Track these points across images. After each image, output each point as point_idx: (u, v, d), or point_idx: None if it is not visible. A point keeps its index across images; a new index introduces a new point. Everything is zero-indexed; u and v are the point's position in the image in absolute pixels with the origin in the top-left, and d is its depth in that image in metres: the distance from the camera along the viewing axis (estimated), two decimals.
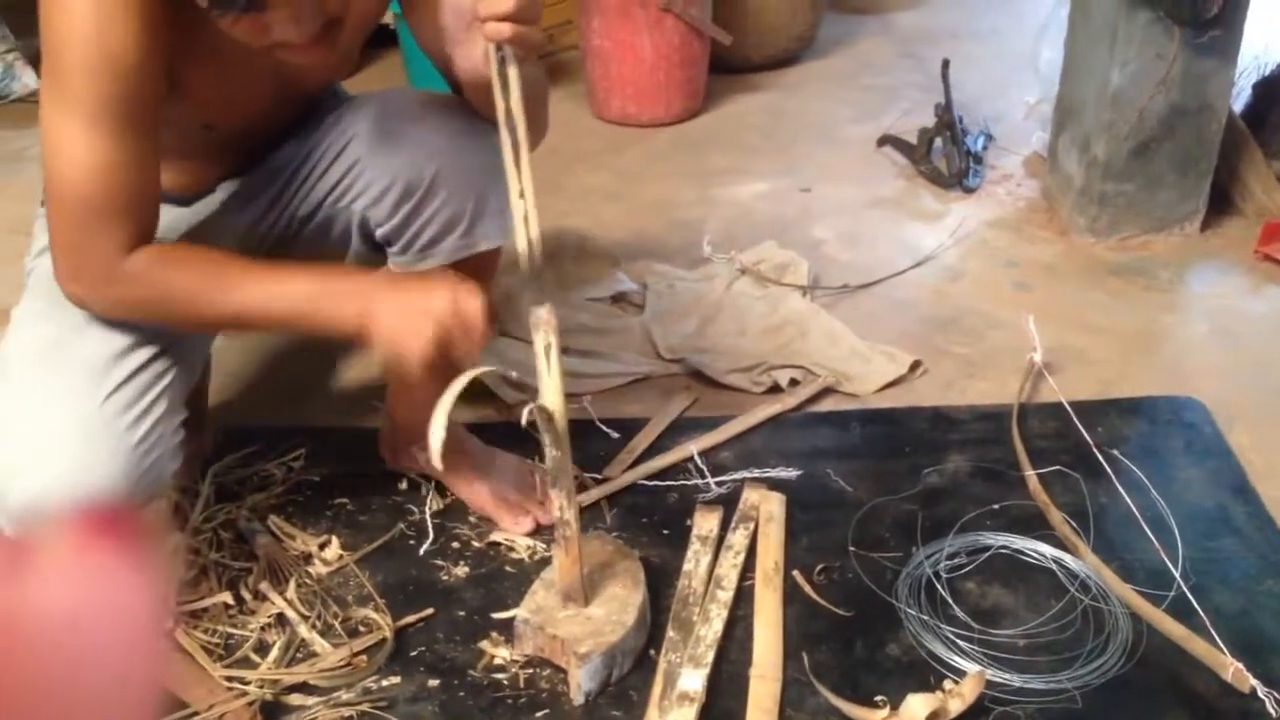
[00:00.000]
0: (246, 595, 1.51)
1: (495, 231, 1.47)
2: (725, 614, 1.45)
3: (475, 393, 1.91)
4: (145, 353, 1.34)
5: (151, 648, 0.43)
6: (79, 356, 1.31)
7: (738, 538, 1.58)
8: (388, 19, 1.60)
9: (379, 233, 1.46)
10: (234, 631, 1.46)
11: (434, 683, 1.40)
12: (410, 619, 1.48)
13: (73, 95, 1.20)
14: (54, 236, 1.28)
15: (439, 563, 1.58)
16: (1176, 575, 1.50)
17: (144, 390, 1.32)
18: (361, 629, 1.47)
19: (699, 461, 1.74)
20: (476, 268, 1.51)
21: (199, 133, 1.43)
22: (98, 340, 1.32)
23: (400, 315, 1.28)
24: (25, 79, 3.27)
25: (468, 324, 1.28)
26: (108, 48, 1.18)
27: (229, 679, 1.39)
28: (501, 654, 1.43)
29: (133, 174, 1.24)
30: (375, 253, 1.53)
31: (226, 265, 1.31)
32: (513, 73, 1.23)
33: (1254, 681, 1.34)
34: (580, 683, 1.35)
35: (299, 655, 1.43)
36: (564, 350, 2.01)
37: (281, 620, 1.48)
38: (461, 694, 1.38)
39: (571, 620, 1.40)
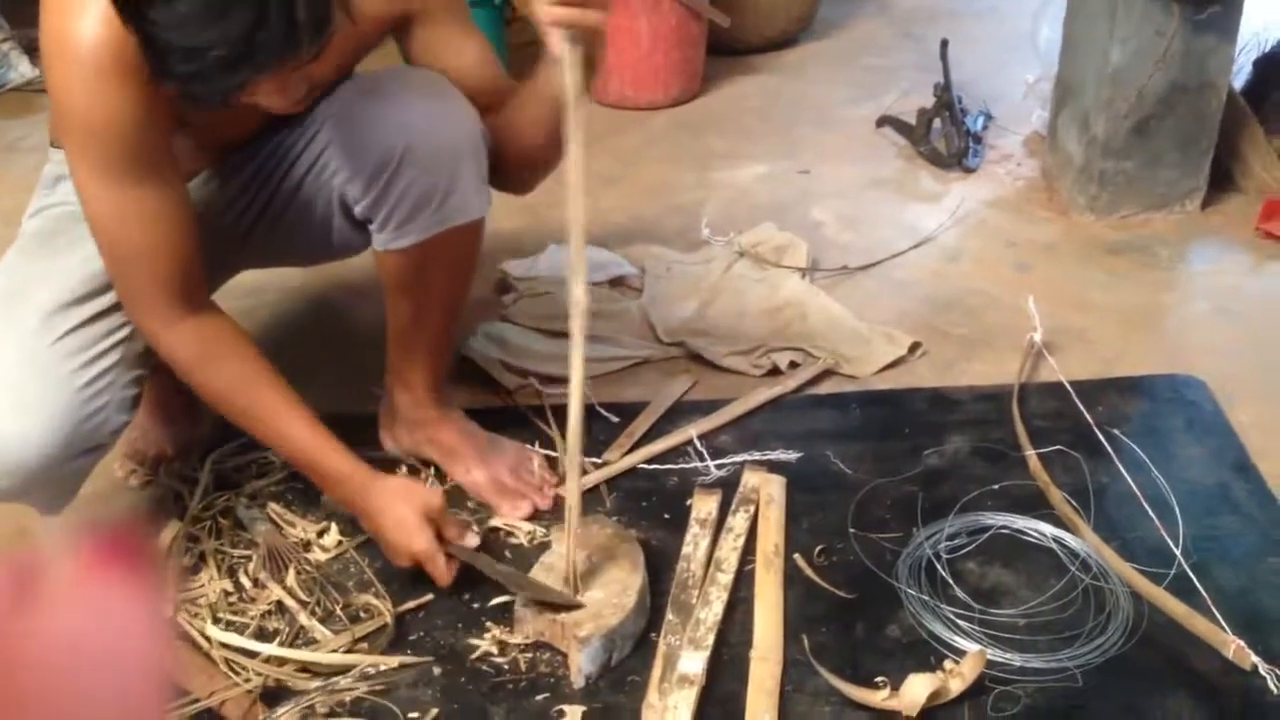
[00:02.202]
0: (246, 583, 1.51)
1: (471, 205, 1.47)
2: (725, 596, 1.45)
3: (475, 378, 1.91)
4: (104, 301, 1.37)
5: (156, 676, 0.43)
6: (37, 300, 1.34)
7: (738, 520, 1.58)
8: None
9: (357, 210, 1.47)
10: (234, 619, 1.46)
11: (434, 668, 1.40)
12: (410, 605, 1.48)
13: (80, 154, 1.26)
14: (111, 278, 1.36)
15: None
16: (1177, 553, 1.50)
17: (98, 338, 1.35)
18: (362, 615, 1.47)
19: (698, 444, 1.74)
20: (457, 244, 1.50)
21: (206, 149, 1.45)
22: (57, 287, 1.35)
23: (380, 536, 1.46)
24: (21, 68, 3.25)
25: (436, 577, 1.46)
26: (100, 115, 1.22)
27: (230, 666, 1.39)
28: (502, 638, 1.42)
29: (153, 224, 1.30)
30: (358, 231, 1.53)
31: (250, 389, 1.41)
32: (571, 51, 1.22)
33: (1255, 659, 1.33)
34: (580, 665, 1.35)
35: (299, 642, 1.43)
36: (563, 334, 2.01)
37: (281, 608, 1.47)
38: (462, 679, 1.38)
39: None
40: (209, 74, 1.12)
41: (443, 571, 1.44)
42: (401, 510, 1.42)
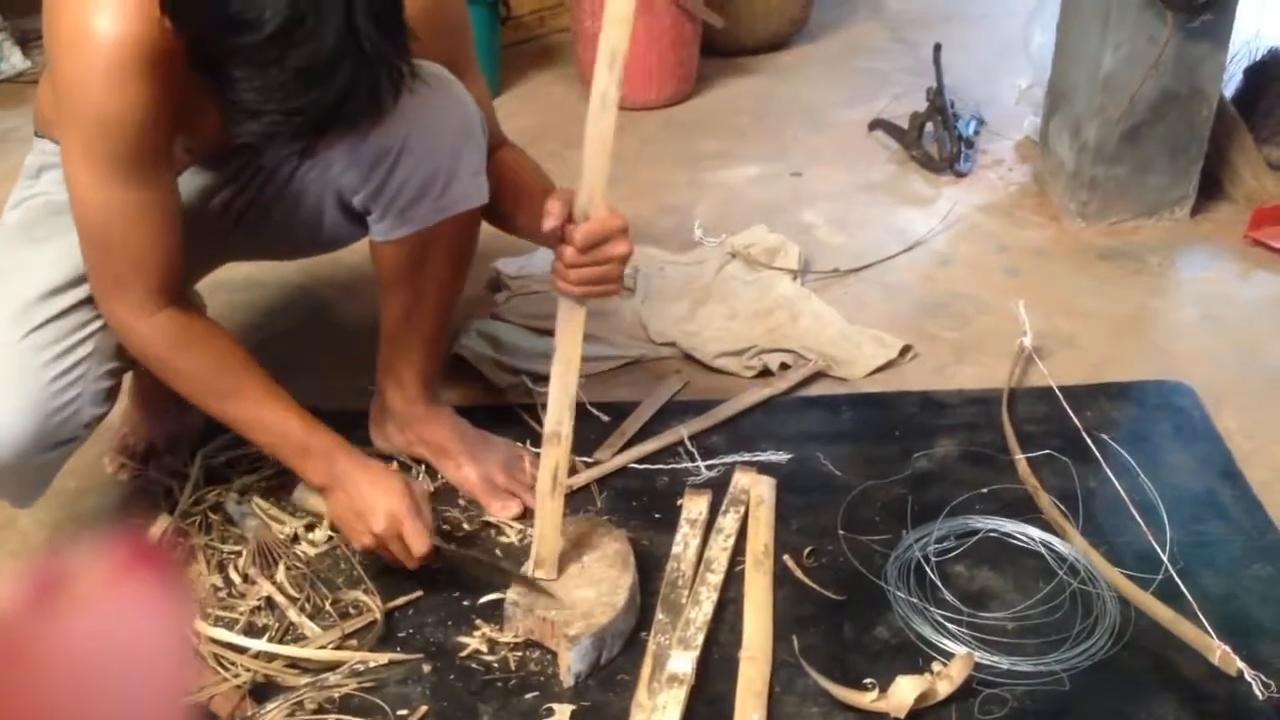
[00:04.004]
0: (235, 578, 1.51)
1: (472, 193, 1.48)
2: (715, 597, 1.46)
3: (466, 376, 1.91)
4: (79, 293, 1.36)
5: (178, 682, 0.43)
6: (11, 293, 1.34)
7: (728, 521, 1.58)
8: None
9: (356, 200, 1.47)
10: (223, 614, 1.46)
11: (424, 665, 1.40)
12: (400, 601, 1.48)
13: (83, 147, 1.24)
14: (87, 266, 1.34)
15: None
16: (1164, 559, 1.51)
17: (69, 331, 1.35)
18: (351, 611, 1.46)
19: (689, 445, 1.74)
20: (456, 232, 1.51)
21: (201, 144, 1.45)
22: (32, 279, 1.35)
23: (348, 512, 1.43)
24: (13, 59, 3.24)
25: (405, 553, 1.42)
26: (113, 111, 1.21)
27: (218, 661, 1.39)
28: (491, 636, 1.43)
29: (145, 220, 1.30)
30: (352, 224, 1.53)
31: (231, 371, 1.39)
32: (572, 310, 1.36)
33: (1241, 664, 1.34)
34: (570, 664, 1.35)
35: (288, 638, 1.43)
36: (552, 333, 2.01)
37: (270, 603, 1.47)
38: (451, 676, 1.38)
39: (561, 602, 1.40)
40: (292, 136, 1.14)
41: (418, 534, 1.40)
42: (381, 473, 1.43)
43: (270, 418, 1.41)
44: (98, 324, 1.37)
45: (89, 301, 1.37)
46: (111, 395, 1.42)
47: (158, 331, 1.35)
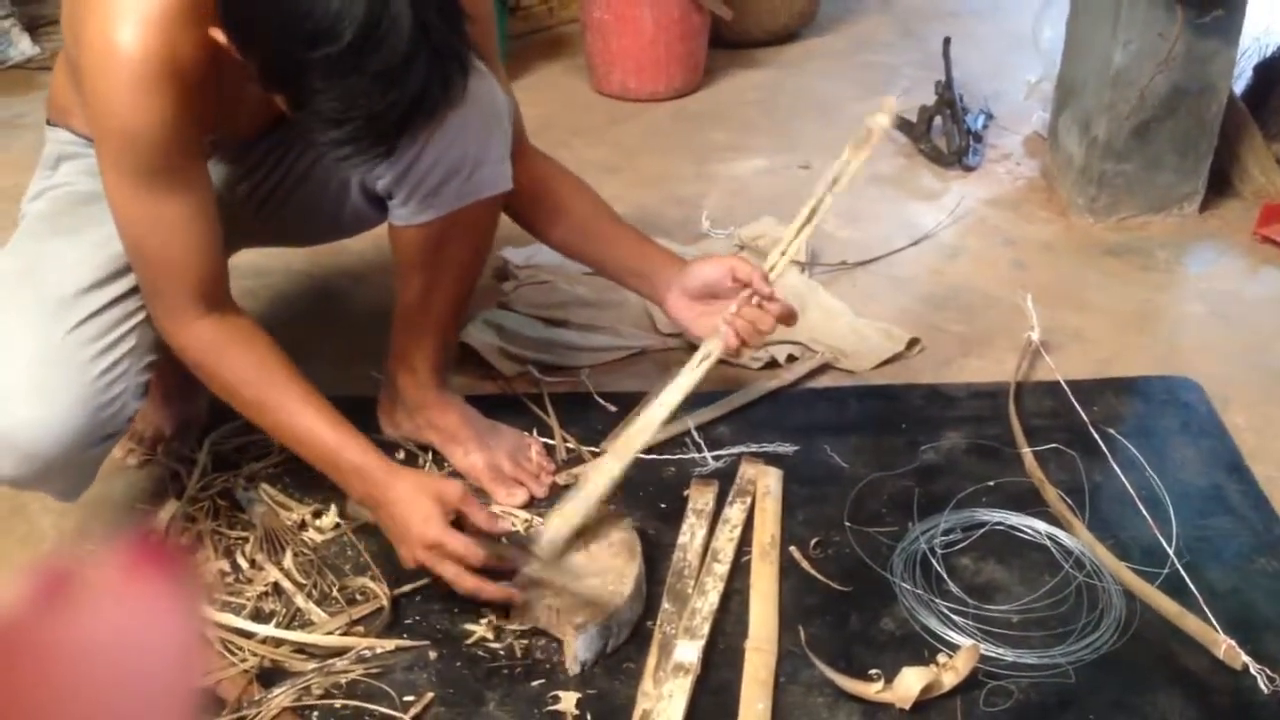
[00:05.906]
0: (243, 564, 1.51)
1: (498, 179, 1.48)
2: (721, 587, 1.46)
3: (473, 365, 1.92)
4: (118, 288, 1.36)
5: (189, 681, 0.44)
6: (48, 288, 1.33)
7: (735, 512, 1.58)
8: None
9: (380, 185, 1.47)
10: (231, 600, 1.46)
11: (430, 652, 1.40)
12: (407, 588, 1.48)
13: (113, 160, 1.25)
14: (136, 277, 1.36)
15: None
16: (1170, 553, 1.51)
17: (112, 325, 1.35)
18: (358, 598, 1.47)
19: (696, 436, 1.74)
20: (477, 219, 1.51)
21: (226, 139, 1.46)
22: (69, 273, 1.34)
23: (391, 533, 1.41)
24: (21, 45, 3.24)
25: (451, 579, 1.38)
26: (140, 126, 1.21)
27: (226, 646, 1.39)
28: (498, 623, 1.43)
29: (177, 230, 1.30)
30: (372, 208, 1.53)
31: (273, 379, 1.38)
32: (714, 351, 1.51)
33: (1246, 659, 1.34)
34: (576, 653, 1.35)
35: (295, 624, 1.43)
36: (562, 323, 2.02)
37: (278, 589, 1.48)
38: (457, 663, 1.39)
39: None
40: (375, 140, 1.15)
41: (460, 559, 1.36)
42: (417, 497, 1.38)
43: (302, 433, 1.39)
44: (139, 317, 1.37)
45: (128, 295, 1.37)
46: (150, 388, 1.42)
47: (194, 340, 1.36)
